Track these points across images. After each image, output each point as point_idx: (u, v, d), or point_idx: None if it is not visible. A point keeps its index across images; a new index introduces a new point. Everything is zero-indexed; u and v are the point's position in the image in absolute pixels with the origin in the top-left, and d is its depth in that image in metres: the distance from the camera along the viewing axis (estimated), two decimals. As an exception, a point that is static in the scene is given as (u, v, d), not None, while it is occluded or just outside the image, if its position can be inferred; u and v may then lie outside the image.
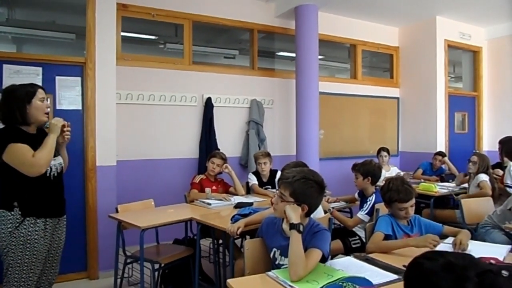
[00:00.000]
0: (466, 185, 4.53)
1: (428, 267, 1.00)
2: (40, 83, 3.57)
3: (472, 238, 2.33)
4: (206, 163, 4.02)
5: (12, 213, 2.15)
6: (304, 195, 1.88)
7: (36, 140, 2.24)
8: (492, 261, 1.74)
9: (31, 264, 2.18)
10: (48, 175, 2.27)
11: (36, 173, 2.16)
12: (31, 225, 2.18)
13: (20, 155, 2.13)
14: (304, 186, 1.89)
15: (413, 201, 2.36)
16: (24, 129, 2.25)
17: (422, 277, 1.01)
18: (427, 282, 0.99)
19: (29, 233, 2.17)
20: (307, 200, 1.89)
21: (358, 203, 3.58)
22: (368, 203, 3.25)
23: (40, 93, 2.30)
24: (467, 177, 4.59)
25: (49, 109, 2.36)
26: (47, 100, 2.36)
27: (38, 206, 2.23)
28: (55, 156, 2.33)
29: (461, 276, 0.94)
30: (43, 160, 2.16)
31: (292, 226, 1.79)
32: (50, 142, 2.24)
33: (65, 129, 2.37)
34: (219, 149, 4.72)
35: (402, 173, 5.14)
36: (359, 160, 3.59)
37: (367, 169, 3.36)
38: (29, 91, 2.26)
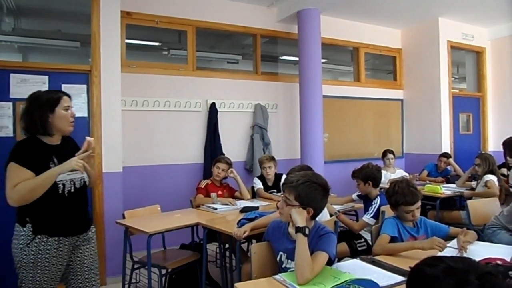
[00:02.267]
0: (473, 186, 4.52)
1: (430, 273, 1.01)
2: (46, 92, 3.62)
3: (478, 239, 2.33)
4: (211, 168, 4.04)
5: (24, 229, 2.01)
6: (308, 198, 1.89)
7: (58, 152, 2.09)
8: (499, 262, 1.74)
9: (43, 282, 2.02)
10: (61, 192, 2.05)
11: (10, 204, 1.98)
12: (42, 244, 2.01)
13: (8, 179, 1.97)
14: (309, 189, 1.90)
15: (419, 203, 2.35)
16: (45, 140, 2.08)
17: (424, 283, 1.02)
18: None
19: (40, 252, 2.00)
20: (312, 203, 1.89)
21: (362, 205, 3.57)
22: (373, 206, 3.24)
23: (65, 100, 2.10)
24: (470, 179, 4.60)
25: (73, 118, 2.15)
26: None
27: (50, 224, 2.04)
28: (76, 170, 2.07)
29: (462, 280, 0.96)
30: (18, 194, 1.95)
31: (298, 230, 1.80)
32: (45, 176, 1.98)
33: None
34: (224, 154, 4.73)
35: (408, 176, 5.12)
36: (365, 163, 3.58)
37: (366, 174, 3.36)
38: (52, 98, 2.07)
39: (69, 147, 2.16)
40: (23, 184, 1.95)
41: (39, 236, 2.01)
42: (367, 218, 3.24)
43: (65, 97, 2.11)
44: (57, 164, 2.04)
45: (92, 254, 2.24)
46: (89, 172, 2.18)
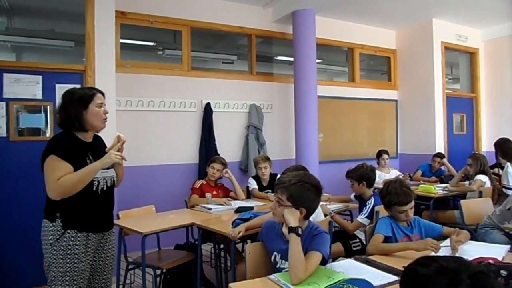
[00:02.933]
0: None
1: (423, 273, 1.03)
2: (40, 91, 3.62)
3: (472, 239, 2.35)
4: (206, 169, 4.04)
5: (54, 224, 2.01)
6: (301, 198, 1.89)
7: (91, 149, 2.12)
8: (491, 261, 1.75)
9: (72, 281, 2.01)
10: (95, 189, 2.09)
11: (52, 197, 1.98)
12: (72, 239, 2.02)
13: (50, 172, 1.97)
14: (301, 189, 1.90)
15: (412, 203, 2.37)
16: (80, 137, 2.11)
17: (417, 283, 1.04)
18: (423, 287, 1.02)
19: (69, 247, 2.01)
20: (304, 203, 1.90)
21: (357, 205, 3.58)
22: (368, 206, 3.26)
23: (98, 97, 2.13)
24: (463, 179, 4.64)
25: (107, 115, 2.18)
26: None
27: (80, 220, 2.06)
28: (108, 168, 2.14)
29: (454, 279, 0.97)
30: (63, 187, 1.95)
31: (291, 230, 1.81)
32: (87, 170, 2.02)
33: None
34: (219, 154, 4.73)
35: (401, 175, 5.15)
36: (359, 163, 3.61)
37: (360, 174, 3.38)
38: (86, 94, 2.11)
39: (100, 145, 2.21)
40: (67, 177, 1.96)
41: (68, 231, 2.01)
42: (361, 218, 3.25)
43: (98, 94, 2.15)
44: (92, 161, 2.08)
45: (113, 254, 2.27)
46: (118, 169, 2.23)
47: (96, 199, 2.11)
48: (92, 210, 2.11)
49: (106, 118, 2.17)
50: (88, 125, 2.11)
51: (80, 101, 2.08)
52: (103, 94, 2.18)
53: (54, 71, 3.71)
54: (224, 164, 3.97)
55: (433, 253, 2.04)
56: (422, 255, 1.94)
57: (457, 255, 2.01)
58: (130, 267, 3.15)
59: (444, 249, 2.10)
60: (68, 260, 2.01)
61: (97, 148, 2.16)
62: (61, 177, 1.95)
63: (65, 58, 4.89)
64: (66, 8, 4.45)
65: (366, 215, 3.23)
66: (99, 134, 2.28)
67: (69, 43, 4.62)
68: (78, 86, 3.68)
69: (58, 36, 4.67)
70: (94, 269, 2.16)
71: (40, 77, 3.61)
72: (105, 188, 2.14)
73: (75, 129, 2.09)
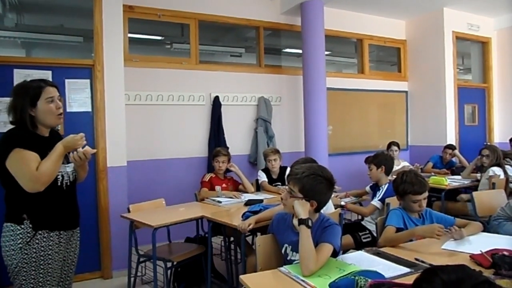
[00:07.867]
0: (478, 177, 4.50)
1: None
2: (50, 87, 3.62)
3: (484, 231, 2.32)
4: (212, 163, 4.03)
5: (22, 226, 1.88)
6: (313, 191, 1.88)
7: (49, 144, 1.96)
8: (506, 253, 1.74)
9: (45, 283, 1.93)
10: (60, 184, 1.99)
11: (35, 190, 1.85)
12: (44, 239, 1.92)
13: (23, 165, 1.83)
14: (313, 182, 1.89)
15: (426, 193, 2.35)
16: (36, 131, 1.96)
17: None
18: None
19: (42, 248, 1.91)
20: (316, 196, 1.89)
21: (368, 197, 3.58)
22: (381, 190, 3.31)
23: (47, 92, 1.94)
24: (475, 170, 4.58)
25: (60, 110, 2.00)
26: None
27: (51, 218, 1.96)
28: (68, 163, 2.06)
29: None
30: (46, 175, 1.86)
31: (301, 222, 1.80)
32: (57, 153, 1.91)
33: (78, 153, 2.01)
34: (228, 147, 4.72)
35: (411, 167, 5.11)
36: (369, 155, 3.62)
37: (380, 159, 3.44)
38: (32, 88, 1.92)
39: (58, 141, 2.05)
40: (44, 164, 1.86)
41: (40, 232, 1.92)
42: (375, 202, 3.30)
43: (47, 88, 1.95)
44: None
45: (78, 250, 2.20)
46: (82, 168, 2.14)
47: (63, 195, 2.03)
48: (61, 206, 2.02)
49: (60, 114, 1.99)
50: (40, 124, 1.95)
51: (26, 97, 1.90)
52: (55, 86, 2.00)
53: (63, 66, 3.73)
54: (227, 154, 3.96)
55: (443, 245, 2.02)
56: (432, 243, 1.93)
57: (472, 245, 1.99)
58: (141, 260, 3.18)
59: (453, 242, 2.09)
60: (42, 262, 1.92)
61: (55, 144, 1.99)
62: (38, 166, 1.84)
63: (74, 53, 4.92)
64: (74, 3, 4.46)
65: (379, 198, 3.28)
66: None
67: (78, 38, 4.65)
68: (87, 80, 3.74)
69: (67, 31, 4.69)
70: (62, 268, 2.07)
71: (49, 72, 3.63)
72: (68, 183, 2.05)
73: (26, 127, 1.92)
